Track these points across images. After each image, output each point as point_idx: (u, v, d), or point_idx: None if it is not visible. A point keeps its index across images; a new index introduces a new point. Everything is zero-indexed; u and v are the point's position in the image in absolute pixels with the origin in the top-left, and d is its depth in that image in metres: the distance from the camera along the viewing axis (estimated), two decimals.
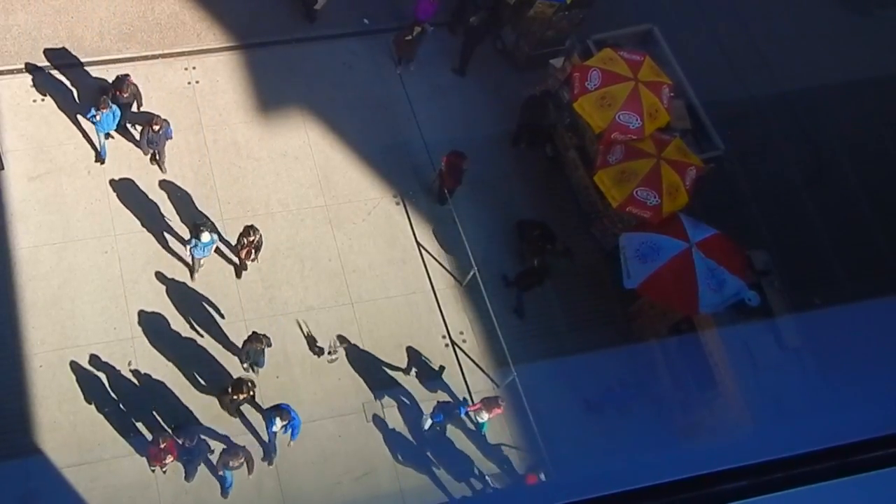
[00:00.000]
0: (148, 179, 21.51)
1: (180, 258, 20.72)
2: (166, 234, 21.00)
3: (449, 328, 21.09)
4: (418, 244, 21.93)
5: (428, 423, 19.43)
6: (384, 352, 20.53)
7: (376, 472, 19.41)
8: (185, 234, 20.63)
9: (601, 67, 20.74)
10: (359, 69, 23.86)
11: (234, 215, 21.48)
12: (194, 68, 23.38)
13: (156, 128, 20.38)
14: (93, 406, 19.06)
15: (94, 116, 20.42)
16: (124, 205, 21.18)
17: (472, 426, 19.83)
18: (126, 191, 21.35)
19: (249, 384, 18.37)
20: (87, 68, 22.83)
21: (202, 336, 20.10)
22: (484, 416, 19.14)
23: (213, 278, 20.70)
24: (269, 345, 18.80)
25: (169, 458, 17.56)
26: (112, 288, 20.25)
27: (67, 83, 22.53)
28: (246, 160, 22.31)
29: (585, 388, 20.61)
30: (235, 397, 18.36)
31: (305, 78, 23.65)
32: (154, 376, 19.52)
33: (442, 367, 20.49)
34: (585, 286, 22.05)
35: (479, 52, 24.08)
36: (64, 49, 22.99)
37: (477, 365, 20.80)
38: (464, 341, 21.04)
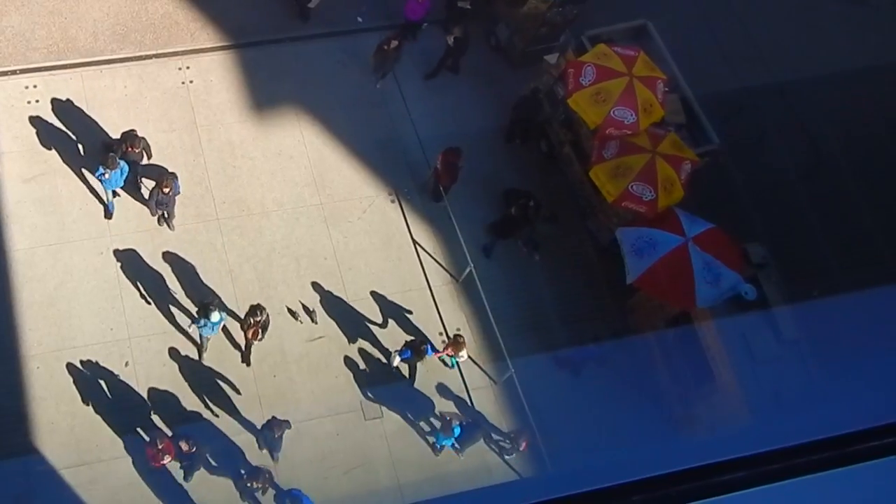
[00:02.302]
0: None
1: (176, 258, 20.71)
2: (162, 234, 20.97)
3: (446, 325, 21.10)
4: (414, 241, 21.93)
5: (396, 361, 19.69)
6: (381, 349, 20.53)
7: (375, 468, 19.43)
8: (182, 234, 20.67)
9: (595, 63, 20.72)
10: (353, 67, 23.82)
11: (229, 215, 21.48)
12: (188, 68, 23.35)
13: (166, 190, 19.76)
14: (90, 407, 19.06)
15: (103, 174, 19.74)
16: (120, 205, 21.15)
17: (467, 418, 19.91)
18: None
19: (267, 475, 18.01)
20: (81, 69, 22.79)
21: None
22: (463, 356, 19.75)
23: (208, 279, 20.68)
24: (289, 426, 18.34)
25: (167, 459, 17.56)
26: (108, 289, 20.24)
27: (62, 84, 22.49)
28: (241, 159, 22.29)
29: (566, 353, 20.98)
30: (250, 485, 17.98)
31: (299, 77, 23.63)
32: (151, 376, 19.52)
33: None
34: (582, 280, 22.07)
35: (472, 49, 24.06)
36: (58, 50, 22.96)
37: (474, 361, 20.80)
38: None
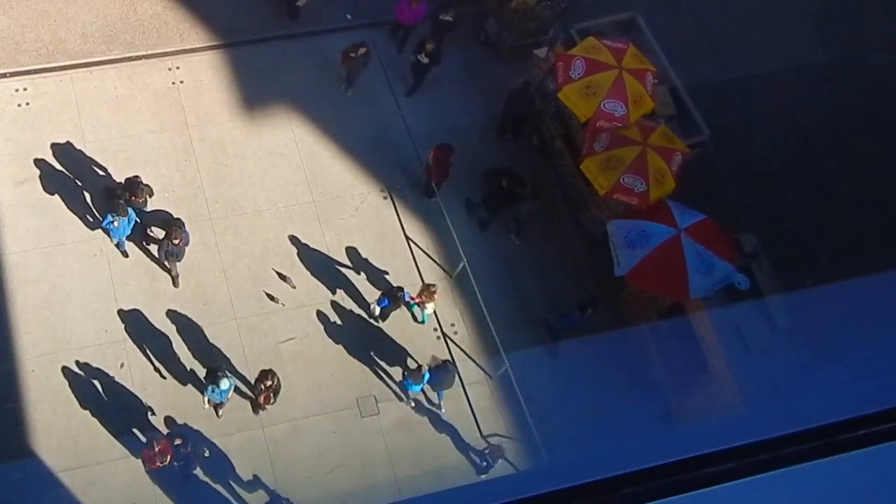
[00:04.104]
0: None
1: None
2: (154, 234, 20.96)
3: (440, 320, 21.14)
4: (407, 238, 21.96)
5: (377, 311, 20.25)
6: (376, 346, 20.56)
7: (372, 465, 19.46)
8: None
9: (585, 56, 20.76)
10: None
11: (221, 214, 21.49)
12: (178, 68, 23.34)
13: (175, 241, 19.33)
14: (87, 409, 19.07)
15: (112, 223, 19.36)
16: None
17: (461, 413, 19.99)
18: (113, 192, 21.27)
19: None
20: (71, 71, 22.78)
21: (193, 334, 20.11)
22: (430, 307, 20.28)
23: (202, 279, 20.70)
24: None
25: (164, 460, 17.57)
26: (102, 290, 20.25)
27: (52, 87, 22.48)
28: (232, 159, 22.30)
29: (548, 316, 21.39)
30: None
31: (289, 75, 23.63)
32: (146, 377, 19.53)
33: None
34: (575, 274, 22.10)
35: (462, 45, 24.07)
36: (47, 52, 22.95)
37: (469, 356, 20.86)
38: (455, 333, 21.10)
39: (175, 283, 20.55)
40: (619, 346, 21.10)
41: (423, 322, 20.98)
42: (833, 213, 23.40)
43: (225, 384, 17.99)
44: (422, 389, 19.69)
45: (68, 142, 21.75)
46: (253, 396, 19.27)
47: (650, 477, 5.58)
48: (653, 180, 19.90)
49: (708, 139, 21.75)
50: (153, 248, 20.65)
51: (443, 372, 19.43)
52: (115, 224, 19.45)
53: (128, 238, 20.38)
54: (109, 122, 22.20)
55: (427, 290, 20.13)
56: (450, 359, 20.45)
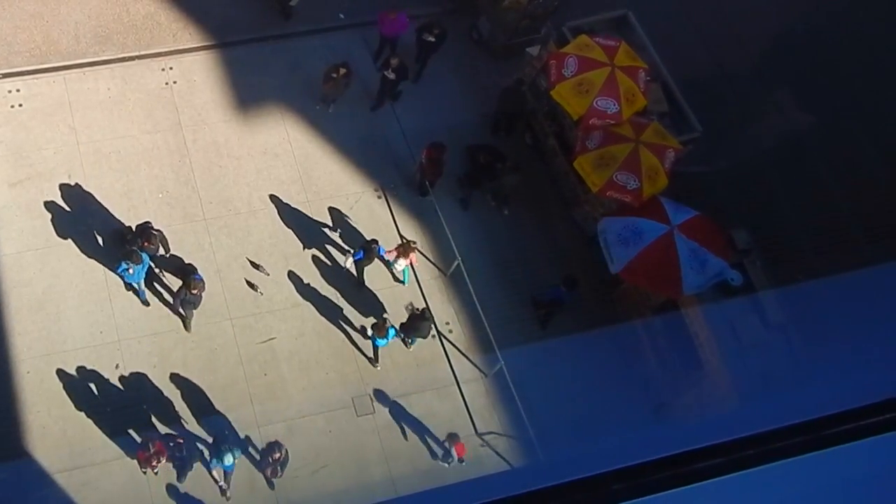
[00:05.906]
0: (127, 180, 21.50)
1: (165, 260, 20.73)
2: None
3: (435, 319, 21.15)
4: (401, 237, 21.96)
5: (349, 262, 20.74)
6: (372, 346, 20.56)
7: (368, 463, 19.49)
8: (169, 236, 20.64)
9: (577, 54, 20.78)
10: None
11: (216, 214, 21.50)
12: (171, 69, 23.35)
13: (194, 291, 18.90)
14: (82, 410, 19.08)
15: (127, 270, 19.10)
16: (106, 207, 21.15)
17: (456, 411, 20.00)
18: (107, 193, 21.32)
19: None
20: (64, 72, 22.77)
21: (188, 334, 20.12)
22: (401, 264, 20.69)
23: None
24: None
25: (160, 461, 17.57)
26: (97, 291, 20.25)
27: (45, 88, 22.47)
28: (226, 159, 22.31)
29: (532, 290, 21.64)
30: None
31: (283, 75, 23.65)
32: (141, 378, 19.55)
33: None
34: (570, 272, 22.10)
35: (455, 43, 24.09)
36: (40, 53, 22.93)
37: (464, 354, 20.89)
38: (450, 331, 21.13)
39: (187, 328, 20.24)
40: (613, 342, 21.13)
41: (403, 282, 21.26)
42: (825, 208, 23.44)
43: (228, 460, 17.72)
44: (388, 343, 19.93)
45: (62, 143, 21.75)
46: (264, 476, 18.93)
47: (642, 472, 5.60)
48: (646, 177, 19.94)
49: (700, 136, 21.77)
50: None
51: (420, 320, 19.75)
52: (131, 271, 19.17)
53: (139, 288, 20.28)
54: (103, 123, 22.20)
55: (403, 247, 20.51)
56: (427, 307, 20.99)
